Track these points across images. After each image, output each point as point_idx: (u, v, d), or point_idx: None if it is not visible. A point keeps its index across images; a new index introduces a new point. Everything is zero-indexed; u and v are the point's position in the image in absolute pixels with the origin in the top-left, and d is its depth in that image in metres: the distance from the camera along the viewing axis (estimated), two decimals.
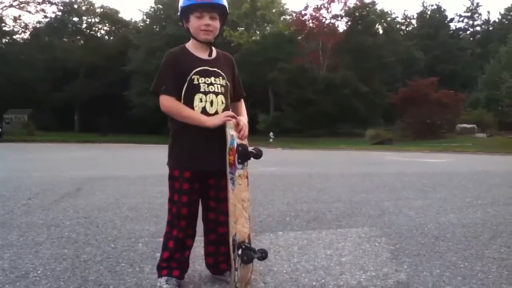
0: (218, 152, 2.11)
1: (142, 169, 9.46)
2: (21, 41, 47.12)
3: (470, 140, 26.31)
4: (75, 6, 51.03)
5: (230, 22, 42.42)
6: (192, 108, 2.12)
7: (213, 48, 2.24)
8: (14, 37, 46.86)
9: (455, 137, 29.09)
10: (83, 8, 52.89)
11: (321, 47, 42.01)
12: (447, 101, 30.59)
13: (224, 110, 2.17)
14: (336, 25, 46.79)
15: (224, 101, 2.19)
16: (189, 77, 2.12)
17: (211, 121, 2.09)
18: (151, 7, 48.88)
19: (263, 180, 7.14)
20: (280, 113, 40.16)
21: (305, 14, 44.29)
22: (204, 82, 2.14)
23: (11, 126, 39.16)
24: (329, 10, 45.05)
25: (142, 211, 4.31)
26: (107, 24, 56.39)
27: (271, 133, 30.40)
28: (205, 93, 2.13)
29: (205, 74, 2.15)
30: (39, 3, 45.69)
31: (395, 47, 46.48)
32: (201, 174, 2.18)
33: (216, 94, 2.16)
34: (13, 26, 45.18)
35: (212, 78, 2.16)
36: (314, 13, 44.02)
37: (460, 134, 30.61)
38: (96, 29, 56.24)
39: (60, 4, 47.87)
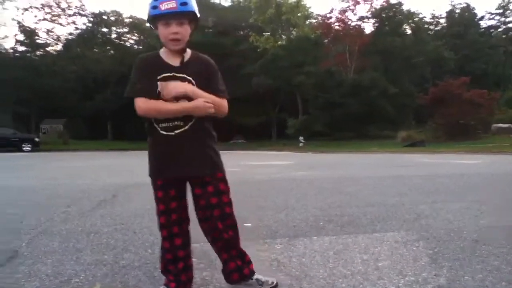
0: (191, 159, 2.08)
1: None
2: (54, 52, 48.56)
3: (507, 140, 25.47)
4: (104, 17, 52.29)
5: (255, 27, 42.72)
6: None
7: (186, 53, 2.15)
8: (47, 49, 48.36)
9: (490, 138, 28.23)
10: (112, 19, 54.13)
11: (348, 50, 41.67)
12: (480, 101, 29.76)
13: (187, 115, 2.08)
14: (363, 27, 46.38)
15: None
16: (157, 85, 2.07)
17: (194, 103, 2.05)
18: None
19: (295, 184, 7.13)
20: (308, 116, 40.00)
21: (331, 17, 44.10)
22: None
23: (47, 136, 40.41)
24: (355, 12, 44.76)
25: None
26: (135, 34, 57.52)
27: (301, 138, 30.26)
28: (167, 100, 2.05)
29: (168, 80, 2.07)
30: (69, 15, 47.04)
31: (423, 47, 45.62)
32: (174, 182, 2.13)
33: (178, 99, 2.06)
34: (46, 38, 46.60)
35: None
36: (340, 16, 43.77)
37: (495, 134, 29.69)
38: (125, 39, 57.43)
39: (90, 16, 49.16)
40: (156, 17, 2.01)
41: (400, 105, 40.47)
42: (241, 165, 12.50)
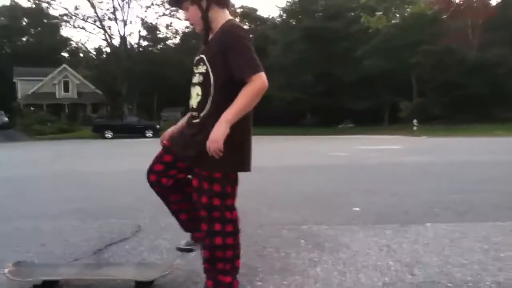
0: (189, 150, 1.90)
1: (283, 159, 9.74)
2: (172, 46, 51.81)
3: None
4: None
5: (367, 8, 41.06)
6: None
7: (211, 33, 1.89)
8: (167, 43, 51.78)
9: None
10: None
11: (470, 25, 38.17)
12: None
13: (200, 102, 1.86)
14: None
15: (200, 93, 1.86)
16: None
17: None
18: (288, 1, 49.71)
19: (408, 169, 6.82)
20: (423, 99, 37.62)
21: None
22: (193, 74, 1.93)
23: (168, 123, 43.59)
24: None
25: (284, 199, 4.44)
26: (246, 23, 59.03)
27: (414, 121, 28.65)
28: (192, 85, 1.93)
29: (195, 64, 1.93)
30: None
31: None
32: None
33: (194, 85, 1.90)
34: (166, 33, 49.84)
35: (195, 68, 1.92)
36: None
37: None
38: None
39: None
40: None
41: None
42: (350, 150, 12.27)
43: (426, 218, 3.45)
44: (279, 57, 41.48)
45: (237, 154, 1.85)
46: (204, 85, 1.83)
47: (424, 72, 37.49)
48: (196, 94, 1.87)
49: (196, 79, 1.88)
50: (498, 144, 14.85)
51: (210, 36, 1.89)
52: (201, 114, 1.85)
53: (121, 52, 40.97)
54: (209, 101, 1.82)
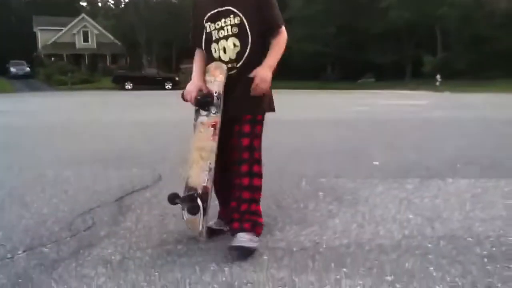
0: (230, 100, 1.93)
1: (302, 113, 9.65)
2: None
3: None
4: None
5: None
6: (211, 59, 1.96)
7: None
8: None
9: None
10: None
11: None
12: None
13: (239, 53, 1.89)
14: None
15: (237, 43, 1.89)
16: (204, 27, 1.95)
17: (189, 86, 2.01)
18: None
19: (430, 124, 6.70)
20: (448, 53, 36.42)
21: None
22: (215, 29, 1.92)
23: (186, 75, 43.45)
24: None
25: (304, 152, 4.43)
26: None
27: (438, 76, 27.88)
28: (217, 40, 1.92)
29: (215, 18, 1.92)
30: None
31: None
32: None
33: (227, 37, 1.90)
34: None
35: (222, 21, 1.90)
36: None
37: None
38: None
39: None
40: None
41: None
42: (370, 104, 12.09)
43: (448, 173, 3.40)
44: (301, 8, 40.22)
45: (271, 96, 2.01)
46: (241, 35, 1.88)
47: (450, 25, 36.05)
48: (233, 45, 1.90)
49: (228, 31, 1.90)
50: None
51: None
52: (239, 64, 1.91)
53: (140, 2, 40.36)
54: (248, 51, 1.89)
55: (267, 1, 1.91)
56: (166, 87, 28.64)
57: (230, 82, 1.92)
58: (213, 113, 1.94)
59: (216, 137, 1.93)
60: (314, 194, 2.86)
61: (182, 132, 6.16)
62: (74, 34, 40.73)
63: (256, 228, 1.96)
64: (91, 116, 9.50)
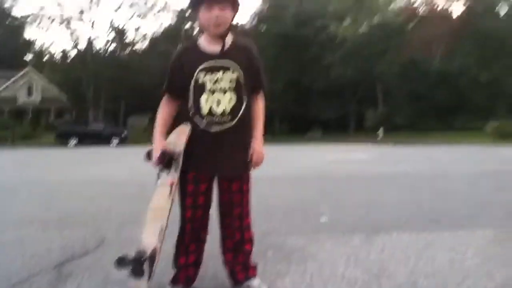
0: (225, 158, 1.97)
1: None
2: (140, 50, 50.89)
3: None
4: (186, 15, 53.91)
5: (336, 16, 41.23)
6: (199, 110, 1.95)
7: (227, 39, 2.00)
8: (134, 48, 50.88)
9: None
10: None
11: (435, 35, 39.28)
12: None
13: (234, 107, 1.95)
14: (450, 11, 43.42)
15: (234, 97, 1.95)
16: (194, 77, 1.95)
17: (154, 148, 1.98)
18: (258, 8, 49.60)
19: (375, 180, 6.93)
20: (388, 108, 38.43)
21: (416, 1, 41.77)
22: (210, 80, 1.95)
23: (134, 130, 42.76)
24: None
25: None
26: None
27: (380, 130, 29.21)
28: (212, 91, 1.94)
29: (211, 70, 1.95)
30: (156, 13, 48.68)
31: None
32: (205, 177, 2.01)
33: (224, 91, 1.95)
34: (134, 37, 48.93)
35: (220, 73, 1.95)
36: None
37: None
38: None
39: (176, 12, 50.55)
40: (200, 1, 1.95)
41: (492, 95, 37.46)
42: (318, 160, 12.37)
43: (393, 228, 3.49)
44: None
45: None
46: (238, 90, 1.97)
47: (389, 82, 38.35)
48: (229, 99, 1.95)
49: (226, 84, 1.95)
50: (460, 152, 15.31)
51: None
52: (235, 120, 1.96)
53: (88, 56, 40.12)
54: (243, 107, 1.99)
55: (258, 64, 2.07)
56: (112, 143, 27.73)
57: (223, 138, 1.95)
58: (172, 172, 1.92)
59: (172, 197, 1.89)
60: (263, 253, 2.82)
61: (127, 191, 6.02)
62: (17, 88, 39.52)
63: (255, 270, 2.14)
64: (32, 175, 9.07)
